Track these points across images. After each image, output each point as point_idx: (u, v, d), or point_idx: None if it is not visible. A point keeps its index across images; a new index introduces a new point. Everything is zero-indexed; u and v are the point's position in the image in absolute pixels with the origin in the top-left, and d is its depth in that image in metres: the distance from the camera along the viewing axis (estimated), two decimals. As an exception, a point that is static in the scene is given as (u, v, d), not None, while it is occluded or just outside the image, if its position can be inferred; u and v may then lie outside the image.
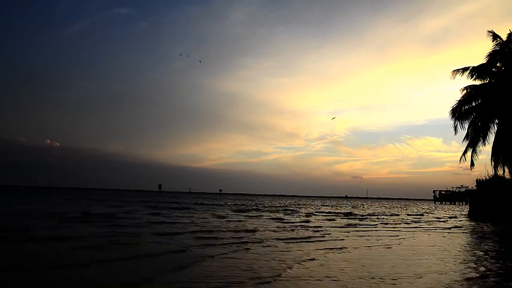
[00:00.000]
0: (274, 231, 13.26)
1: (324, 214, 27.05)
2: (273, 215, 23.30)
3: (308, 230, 14.07)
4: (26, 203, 28.81)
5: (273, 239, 10.73)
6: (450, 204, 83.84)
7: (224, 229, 13.12)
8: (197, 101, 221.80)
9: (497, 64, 26.40)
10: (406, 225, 18.32)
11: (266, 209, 31.91)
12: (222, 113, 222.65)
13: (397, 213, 32.59)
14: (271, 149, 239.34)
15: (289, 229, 14.22)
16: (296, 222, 18.15)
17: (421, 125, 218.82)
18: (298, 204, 48.87)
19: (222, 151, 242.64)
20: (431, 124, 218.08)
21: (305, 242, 10.46)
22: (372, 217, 24.89)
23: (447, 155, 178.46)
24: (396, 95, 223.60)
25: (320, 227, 15.60)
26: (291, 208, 34.33)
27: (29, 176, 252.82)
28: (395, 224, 18.93)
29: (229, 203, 43.04)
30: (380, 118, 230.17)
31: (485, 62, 26.16)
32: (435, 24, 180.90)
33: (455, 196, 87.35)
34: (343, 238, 11.76)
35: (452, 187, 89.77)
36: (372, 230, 14.86)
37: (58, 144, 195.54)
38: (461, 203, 79.78)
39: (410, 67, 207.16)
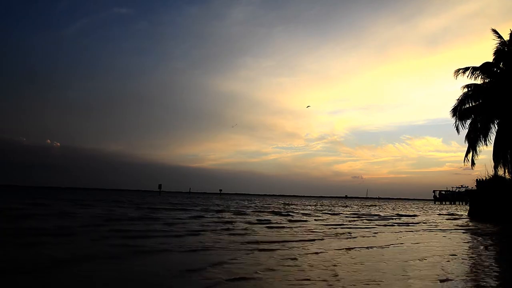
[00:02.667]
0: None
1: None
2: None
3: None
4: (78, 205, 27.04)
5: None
6: (450, 204, 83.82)
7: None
8: (197, 101, 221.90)
9: (499, 64, 26.36)
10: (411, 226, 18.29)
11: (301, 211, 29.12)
12: (222, 113, 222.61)
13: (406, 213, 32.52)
14: (271, 149, 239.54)
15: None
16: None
17: (421, 125, 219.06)
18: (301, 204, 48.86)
19: (222, 151, 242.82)
20: (431, 124, 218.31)
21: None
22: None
23: (447, 155, 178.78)
24: (396, 95, 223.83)
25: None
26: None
27: (29, 176, 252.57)
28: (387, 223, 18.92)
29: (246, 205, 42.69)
30: (380, 118, 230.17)
31: (487, 61, 26.17)
32: (435, 24, 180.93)
33: (455, 196, 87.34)
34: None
35: (452, 187, 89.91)
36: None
37: (58, 144, 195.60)
38: (461, 203, 79.76)
39: (410, 67, 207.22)
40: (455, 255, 8.58)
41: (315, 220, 19.54)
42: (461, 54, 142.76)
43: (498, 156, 25.47)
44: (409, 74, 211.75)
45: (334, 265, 6.78)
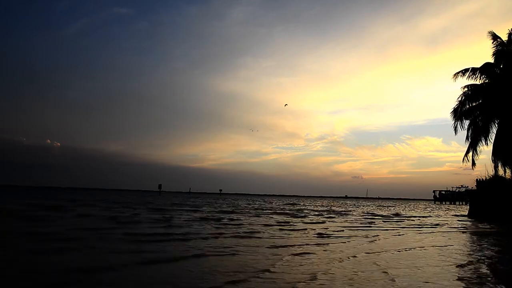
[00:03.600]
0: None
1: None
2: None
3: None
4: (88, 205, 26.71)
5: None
6: (450, 204, 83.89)
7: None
8: (197, 101, 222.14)
9: (498, 64, 26.46)
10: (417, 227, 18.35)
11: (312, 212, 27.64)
12: (222, 113, 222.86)
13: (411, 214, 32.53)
14: (271, 149, 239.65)
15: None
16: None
17: (421, 125, 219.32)
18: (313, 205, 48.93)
19: (222, 151, 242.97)
20: (431, 124, 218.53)
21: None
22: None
23: (447, 155, 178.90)
24: (396, 95, 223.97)
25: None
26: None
27: (29, 176, 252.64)
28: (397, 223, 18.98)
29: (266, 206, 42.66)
30: (380, 118, 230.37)
31: (486, 62, 26.28)
32: (435, 24, 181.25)
33: (455, 196, 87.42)
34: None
35: (452, 187, 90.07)
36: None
37: (58, 144, 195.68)
38: (461, 203, 79.84)
39: (410, 67, 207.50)
40: (454, 254, 8.64)
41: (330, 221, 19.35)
42: (461, 54, 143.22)
43: (498, 156, 25.55)
44: (409, 74, 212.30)
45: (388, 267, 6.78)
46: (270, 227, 14.40)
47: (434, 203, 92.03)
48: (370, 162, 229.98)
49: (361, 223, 18.35)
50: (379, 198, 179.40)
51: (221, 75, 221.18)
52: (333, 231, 13.67)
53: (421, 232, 14.62)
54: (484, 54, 26.21)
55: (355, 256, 7.87)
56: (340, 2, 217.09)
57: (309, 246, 9.46)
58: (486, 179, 25.70)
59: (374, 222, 19.09)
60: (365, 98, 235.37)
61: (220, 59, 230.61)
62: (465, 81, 26.82)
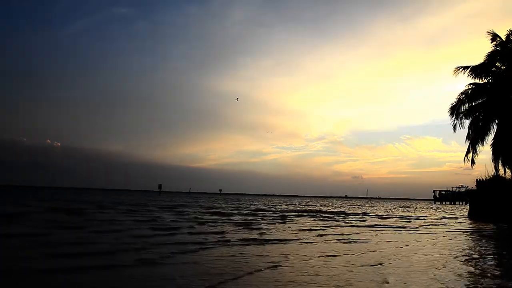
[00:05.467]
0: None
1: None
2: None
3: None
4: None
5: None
6: (450, 204, 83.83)
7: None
8: (197, 101, 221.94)
9: (497, 64, 26.40)
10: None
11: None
12: (222, 113, 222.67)
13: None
14: (271, 149, 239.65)
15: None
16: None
17: (421, 125, 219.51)
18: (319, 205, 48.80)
19: (222, 151, 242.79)
20: (431, 124, 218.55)
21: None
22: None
23: (447, 155, 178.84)
24: (396, 95, 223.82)
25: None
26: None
27: (29, 176, 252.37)
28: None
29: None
30: (380, 118, 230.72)
31: (485, 61, 26.17)
32: (435, 24, 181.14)
33: (455, 196, 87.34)
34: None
35: (452, 187, 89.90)
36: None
37: (59, 144, 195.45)
38: (461, 203, 79.77)
39: (410, 67, 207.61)
40: (454, 253, 8.57)
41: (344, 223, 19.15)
42: (461, 53, 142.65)
43: (498, 156, 25.49)
44: (409, 74, 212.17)
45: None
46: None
47: (434, 203, 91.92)
48: (370, 162, 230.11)
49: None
50: (379, 198, 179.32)
51: (221, 75, 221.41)
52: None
53: (421, 232, 14.59)
54: (484, 53, 26.02)
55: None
56: (340, 2, 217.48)
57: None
58: (486, 179, 25.65)
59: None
60: (365, 98, 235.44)
61: (220, 59, 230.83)
62: (465, 78, 26.74)
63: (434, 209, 46.53)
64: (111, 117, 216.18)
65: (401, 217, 25.48)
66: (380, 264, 7.10)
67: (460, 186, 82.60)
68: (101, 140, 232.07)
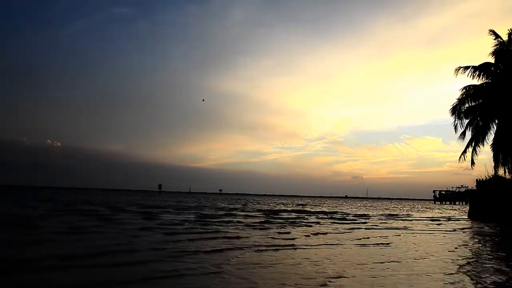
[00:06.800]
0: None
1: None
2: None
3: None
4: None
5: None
6: (450, 204, 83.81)
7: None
8: (197, 101, 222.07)
9: (498, 64, 26.38)
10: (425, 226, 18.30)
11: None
12: (222, 113, 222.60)
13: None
14: (271, 149, 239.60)
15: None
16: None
17: (421, 125, 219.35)
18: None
19: (222, 151, 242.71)
20: (431, 124, 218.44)
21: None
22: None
23: (447, 155, 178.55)
24: (396, 95, 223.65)
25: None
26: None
27: (29, 176, 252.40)
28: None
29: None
30: (380, 118, 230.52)
31: (486, 61, 26.21)
32: (435, 24, 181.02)
33: (455, 196, 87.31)
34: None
35: (452, 187, 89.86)
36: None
37: (58, 144, 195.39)
38: (461, 203, 79.73)
39: (409, 67, 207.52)
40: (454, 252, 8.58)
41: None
42: (461, 53, 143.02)
43: (498, 156, 25.47)
44: (409, 74, 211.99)
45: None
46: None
47: (434, 203, 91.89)
48: (370, 162, 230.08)
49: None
50: (379, 198, 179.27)
51: (221, 75, 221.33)
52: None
53: (421, 231, 14.59)
54: (484, 53, 26.09)
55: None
56: (340, 2, 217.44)
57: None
58: (486, 179, 25.62)
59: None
60: (365, 98, 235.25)
61: (220, 59, 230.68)
62: (465, 78, 26.75)
63: (434, 209, 46.58)
64: (111, 117, 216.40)
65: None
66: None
67: (460, 186, 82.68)
68: (101, 140, 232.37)
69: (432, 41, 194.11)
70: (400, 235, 13.07)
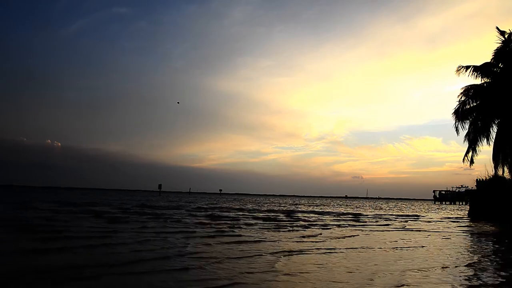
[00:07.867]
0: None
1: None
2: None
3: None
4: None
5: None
6: (450, 204, 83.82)
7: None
8: (197, 101, 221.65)
9: (498, 64, 26.40)
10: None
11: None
12: (222, 113, 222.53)
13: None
14: (270, 149, 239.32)
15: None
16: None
17: (421, 125, 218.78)
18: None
19: (222, 151, 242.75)
20: (430, 124, 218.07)
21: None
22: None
23: (447, 155, 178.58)
24: (396, 95, 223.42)
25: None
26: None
27: (29, 176, 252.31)
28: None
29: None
30: (380, 118, 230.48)
31: (489, 60, 26.19)
32: (435, 23, 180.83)
33: (455, 196, 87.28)
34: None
35: (452, 187, 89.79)
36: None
37: (58, 144, 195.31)
38: (461, 203, 79.75)
39: (409, 67, 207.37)
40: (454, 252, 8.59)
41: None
42: (461, 53, 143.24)
43: (498, 156, 25.49)
44: (409, 74, 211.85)
45: None
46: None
47: (434, 203, 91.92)
48: (370, 162, 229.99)
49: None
50: (379, 198, 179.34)
51: (221, 75, 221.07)
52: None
53: (419, 231, 14.63)
54: (485, 53, 26.14)
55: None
56: (340, 2, 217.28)
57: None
58: (486, 179, 25.66)
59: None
60: (365, 98, 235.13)
61: (220, 59, 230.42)
62: (466, 78, 26.76)
63: (434, 209, 46.60)
64: (111, 117, 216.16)
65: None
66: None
67: (460, 186, 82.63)
68: (101, 140, 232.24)
69: (432, 41, 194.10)
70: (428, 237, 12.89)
